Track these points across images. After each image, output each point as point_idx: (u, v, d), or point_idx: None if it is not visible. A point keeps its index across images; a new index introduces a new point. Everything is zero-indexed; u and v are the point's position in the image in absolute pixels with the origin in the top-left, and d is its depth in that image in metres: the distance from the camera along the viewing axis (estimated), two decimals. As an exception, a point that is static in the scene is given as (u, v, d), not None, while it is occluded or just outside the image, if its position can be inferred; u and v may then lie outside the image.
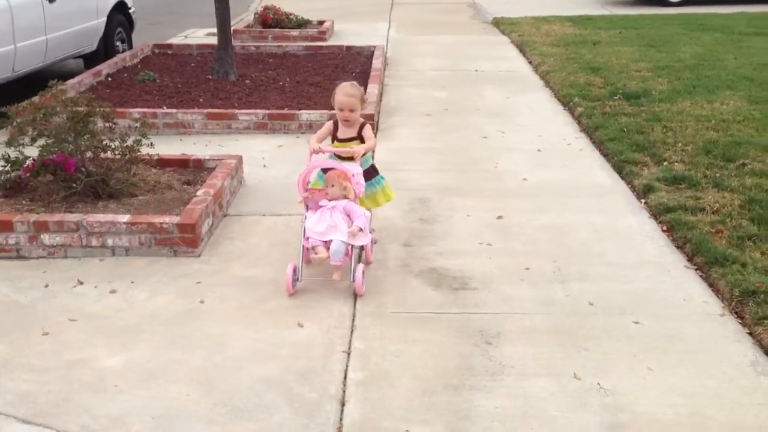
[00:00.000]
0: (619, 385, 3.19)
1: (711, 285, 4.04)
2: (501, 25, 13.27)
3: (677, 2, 15.59)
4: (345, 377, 3.28)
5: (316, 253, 3.93)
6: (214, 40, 9.30)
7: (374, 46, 10.45)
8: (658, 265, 4.31)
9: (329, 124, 4.30)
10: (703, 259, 4.21)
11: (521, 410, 3.05)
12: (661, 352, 3.44)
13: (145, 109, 6.96)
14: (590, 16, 13.88)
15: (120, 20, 10.53)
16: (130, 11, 10.87)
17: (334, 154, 4.21)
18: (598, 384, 3.20)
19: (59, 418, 3.00)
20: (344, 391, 3.19)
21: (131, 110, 6.86)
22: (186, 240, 4.38)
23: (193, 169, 5.47)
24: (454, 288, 4.05)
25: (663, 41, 10.84)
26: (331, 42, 11.73)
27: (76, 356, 3.43)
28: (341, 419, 3.01)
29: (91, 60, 9.86)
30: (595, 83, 8.30)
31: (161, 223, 4.38)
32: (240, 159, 5.58)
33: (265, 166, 6.03)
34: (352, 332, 3.64)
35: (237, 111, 7.04)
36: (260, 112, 7.00)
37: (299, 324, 3.70)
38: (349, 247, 3.96)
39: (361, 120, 4.27)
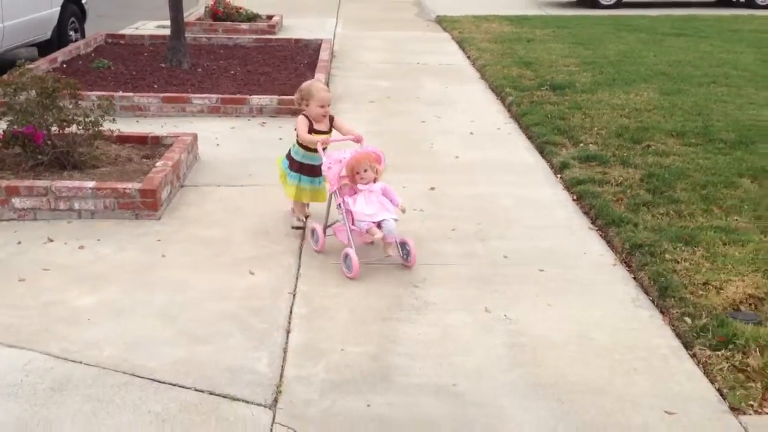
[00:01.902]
0: (522, 317, 3.80)
1: (608, 242, 4.69)
2: (443, 22, 13.92)
3: (610, 5, 16.49)
4: (291, 312, 3.81)
5: (372, 234, 4.10)
6: (165, 32, 9.69)
7: (321, 40, 10.96)
8: (565, 227, 4.95)
9: (305, 120, 4.54)
10: (603, 222, 4.87)
11: (440, 335, 3.63)
12: (560, 292, 4.07)
13: (102, 93, 7.33)
14: (527, 16, 14.64)
15: (73, 10, 10.82)
16: (83, 2, 11.16)
17: (312, 151, 4.50)
18: (505, 315, 3.80)
19: (41, 343, 3.46)
20: (290, 323, 3.72)
21: (89, 93, 7.22)
22: (147, 204, 4.84)
23: (151, 145, 5.90)
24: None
25: (591, 40, 11.64)
26: (280, 35, 12.18)
27: (52, 298, 3.87)
28: (287, 342, 3.54)
29: (44, 48, 10.13)
30: (526, 76, 8.99)
31: (124, 189, 4.83)
32: (195, 136, 6.04)
33: (218, 144, 6.50)
34: (297, 278, 4.17)
35: (191, 95, 7.48)
36: (213, 96, 7.46)
37: (251, 272, 4.21)
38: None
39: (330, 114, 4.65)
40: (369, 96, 8.36)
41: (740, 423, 3.03)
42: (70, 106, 5.32)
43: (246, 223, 4.87)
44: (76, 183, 4.86)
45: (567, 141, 6.52)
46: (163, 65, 9.17)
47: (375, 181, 4.24)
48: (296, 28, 13.22)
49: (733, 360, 3.37)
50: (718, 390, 3.23)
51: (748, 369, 3.31)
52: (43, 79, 5.18)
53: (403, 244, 4.24)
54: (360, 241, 4.24)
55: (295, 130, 4.57)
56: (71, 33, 10.84)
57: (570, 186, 5.59)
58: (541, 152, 6.42)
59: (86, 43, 10.25)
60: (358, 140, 4.49)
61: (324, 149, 4.46)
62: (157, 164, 5.26)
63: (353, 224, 4.18)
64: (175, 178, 5.30)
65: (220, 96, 7.48)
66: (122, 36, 11.15)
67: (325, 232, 4.42)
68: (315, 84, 4.63)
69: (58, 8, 10.23)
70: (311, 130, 4.54)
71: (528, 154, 6.47)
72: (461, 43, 11.68)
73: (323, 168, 4.30)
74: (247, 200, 5.25)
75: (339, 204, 4.25)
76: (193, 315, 3.75)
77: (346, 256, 4.13)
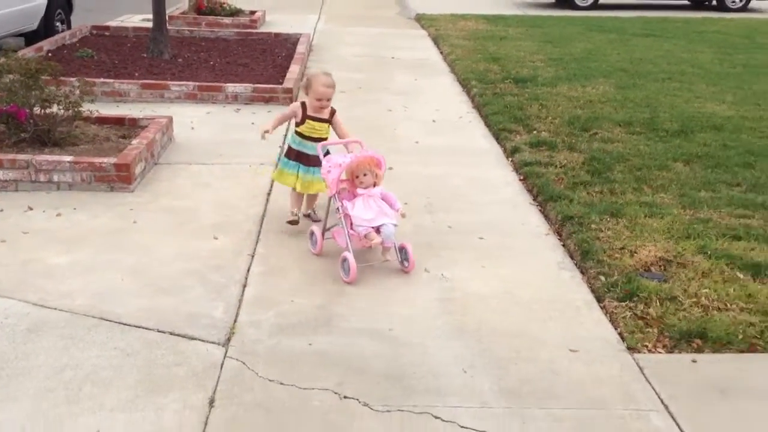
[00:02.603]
0: (457, 276, 4.21)
1: (545, 215, 5.13)
2: (422, 20, 14.36)
3: (585, 6, 16.97)
4: (248, 270, 4.22)
5: (370, 239, 4.09)
6: (149, 25, 10.05)
7: (300, 34, 11.36)
8: (509, 202, 5.38)
9: (297, 108, 4.61)
10: (543, 198, 5.30)
11: (381, 291, 4.04)
12: (495, 257, 4.49)
13: (84, 78, 7.69)
14: (504, 15, 15.10)
15: (60, 2, 11.20)
16: (70, -6, 11.52)
17: (306, 139, 4.58)
18: (442, 275, 4.22)
19: (19, 293, 3.85)
20: (246, 279, 4.12)
21: (71, 79, 7.58)
22: (122, 177, 5.23)
23: (128, 127, 6.29)
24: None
25: (561, 39, 12.10)
26: (262, 30, 12.58)
27: (30, 257, 4.26)
28: (242, 295, 3.95)
29: (31, 39, 10.49)
30: (493, 70, 9.43)
31: (101, 163, 5.22)
32: (170, 119, 6.44)
33: (193, 128, 6.89)
34: (257, 243, 4.57)
35: (169, 82, 7.87)
36: (191, 83, 7.85)
37: (215, 237, 4.61)
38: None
39: (331, 107, 4.65)
40: (341, 87, 8.62)
41: (633, 359, 3.46)
42: (53, 88, 5.70)
43: (213, 196, 5.27)
44: (56, 157, 5.24)
45: (522, 129, 6.95)
46: (144, 55, 9.54)
47: (375, 185, 4.23)
48: (278, 23, 13.61)
49: (636, 310, 3.80)
50: (619, 334, 3.66)
51: (648, 317, 3.74)
52: (27, 62, 5.56)
53: (401, 249, 4.21)
54: (358, 245, 4.20)
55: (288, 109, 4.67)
56: (58, 24, 11.21)
57: (518, 167, 6.02)
58: (497, 138, 6.85)
59: (72, 33, 10.62)
60: (352, 143, 4.51)
61: (318, 139, 4.52)
62: (133, 142, 5.65)
63: (351, 228, 4.16)
64: (149, 155, 5.69)
65: (197, 83, 7.87)
66: (107, 27, 11.51)
67: (323, 235, 4.39)
68: (318, 76, 4.55)
69: (46, 0, 10.58)
70: (307, 117, 4.57)
71: (484, 140, 6.90)
72: (436, 40, 12.12)
73: (322, 171, 4.25)
74: (215, 177, 5.65)
75: (337, 208, 4.22)
76: (158, 272, 4.15)
77: (344, 260, 4.08)
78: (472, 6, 16.42)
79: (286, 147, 4.81)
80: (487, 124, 7.32)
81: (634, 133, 6.83)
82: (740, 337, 3.60)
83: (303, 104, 4.61)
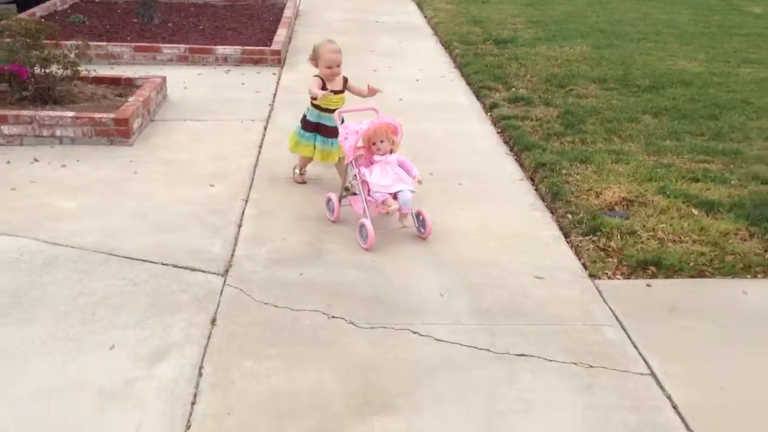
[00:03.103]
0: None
1: (520, 163, 5.48)
2: (407, -15, 14.53)
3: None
4: (243, 213, 4.55)
5: (388, 205, 4.12)
6: (139, -9, 10.23)
7: (288, -1, 11.57)
8: (487, 153, 5.73)
9: (319, 81, 4.62)
10: (519, 148, 5.64)
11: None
12: (473, 200, 4.84)
13: (78, 42, 7.92)
14: (488, -20, 15.26)
15: (49, -31, 11.28)
16: (59, -39, 11.62)
17: (324, 111, 4.63)
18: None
19: (32, 233, 4.17)
20: (241, 220, 4.46)
21: (66, 42, 7.81)
22: (121, 132, 5.53)
23: (124, 86, 6.56)
24: (329, 166, 5.34)
25: (542, 2, 12.34)
26: (249, -4, 12.74)
27: (40, 201, 4.58)
28: (238, 234, 4.29)
29: (22, 5, 10.62)
30: (475, 32, 9.70)
31: (100, 118, 5.51)
32: (164, 79, 6.71)
33: (185, 88, 7.16)
34: (250, 189, 4.90)
35: (161, 45, 8.12)
36: (182, 46, 8.10)
37: (211, 185, 4.93)
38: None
39: (343, 75, 4.73)
40: (327, 49, 9.02)
41: (594, 284, 3.84)
42: (53, 49, 5.95)
43: (208, 149, 5.58)
44: (58, 113, 5.53)
45: (501, 86, 7.27)
46: (135, 20, 9.74)
47: (391, 152, 4.26)
48: (265, -11, 13.75)
49: (599, 243, 4.17)
50: (583, 263, 4.04)
51: (609, 249, 4.11)
52: (27, 23, 5.81)
53: (417, 215, 4.25)
54: (375, 211, 4.22)
55: (309, 91, 4.60)
56: (47, -9, 11.32)
57: (496, 121, 6.35)
58: (477, 95, 7.17)
59: (62, 0, 10.77)
60: (372, 92, 4.64)
61: (334, 110, 4.53)
62: (129, 99, 5.93)
63: (369, 195, 4.19)
64: (145, 112, 5.98)
65: (188, 46, 8.12)
66: (97, -6, 11.65)
67: (340, 201, 4.42)
68: (324, 45, 4.64)
69: (35, -33, 10.71)
70: (324, 89, 4.60)
71: (465, 97, 7.21)
72: (420, 4, 12.34)
73: (340, 138, 4.30)
74: (209, 132, 5.96)
75: (355, 174, 4.25)
76: (160, 215, 4.48)
77: (362, 226, 4.12)
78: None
79: (302, 120, 4.83)
80: (468, 83, 7.63)
81: (608, 89, 7.16)
82: (691, 264, 3.98)
83: (319, 77, 4.64)
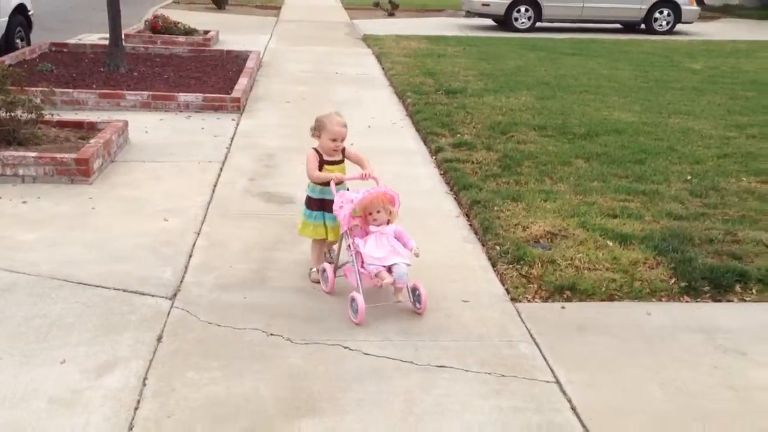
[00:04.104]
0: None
1: (458, 201, 5.88)
2: (368, 40, 15.19)
3: (525, 28, 18.01)
4: (194, 244, 4.86)
5: (381, 279, 3.93)
6: (106, 42, 10.63)
7: (251, 51, 12.06)
8: (429, 192, 6.12)
9: (314, 155, 4.31)
10: (458, 187, 6.05)
11: (307, 258, 4.71)
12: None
13: (44, 88, 8.24)
14: (446, 36, 16.02)
15: (20, 20, 11.69)
16: (29, 13, 12.04)
17: (326, 185, 4.27)
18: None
19: (-8, 261, 4.43)
20: (192, 251, 4.76)
21: (34, 89, 8.14)
22: (81, 171, 5.83)
23: (87, 129, 6.88)
24: (281, 202, 5.71)
25: (495, 56, 13.02)
26: (215, 48, 13.22)
27: (0, 234, 4.84)
28: (188, 263, 4.59)
29: (-8, 54, 10.96)
30: (428, 83, 10.24)
31: (62, 158, 5.81)
32: (126, 123, 7.05)
33: (147, 132, 7.51)
34: (202, 223, 5.22)
35: (125, 92, 8.48)
36: (145, 93, 8.47)
37: (165, 219, 5.24)
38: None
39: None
40: (286, 97, 9.49)
41: (514, 307, 4.20)
42: (17, 94, 6.28)
43: (164, 187, 5.90)
44: (21, 153, 5.82)
45: (447, 132, 7.73)
46: (102, 69, 10.12)
47: (388, 222, 4.12)
48: (231, 42, 14.27)
49: (521, 271, 4.54)
50: (506, 289, 4.40)
51: (530, 276, 4.48)
52: (-7, 68, 6.14)
53: (414, 290, 4.07)
54: (369, 284, 4.03)
55: (308, 174, 4.31)
56: (18, 41, 11.69)
57: (440, 164, 6.78)
58: (425, 141, 7.61)
59: (31, 50, 11.14)
60: (366, 178, 4.30)
61: (337, 185, 4.27)
62: (91, 141, 6.25)
63: (362, 267, 4.01)
64: (106, 153, 6.29)
65: (152, 93, 8.49)
66: (66, 44, 12.04)
67: (335, 273, 4.27)
68: (331, 117, 4.32)
69: (6, 18, 11.09)
70: (323, 163, 4.32)
71: (413, 142, 7.66)
72: (379, 57, 12.93)
73: (335, 207, 4.11)
74: (166, 172, 6.28)
75: (349, 245, 4.10)
76: (115, 246, 4.76)
77: (353, 300, 3.94)
78: (419, 29, 17.35)
79: (306, 200, 4.44)
80: (418, 129, 8.09)
81: (546, 136, 7.66)
82: (603, 289, 4.36)
83: (316, 150, 4.36)
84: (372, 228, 4.08)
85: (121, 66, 10.09)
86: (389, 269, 3.97)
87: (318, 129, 4.32)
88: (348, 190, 4.32)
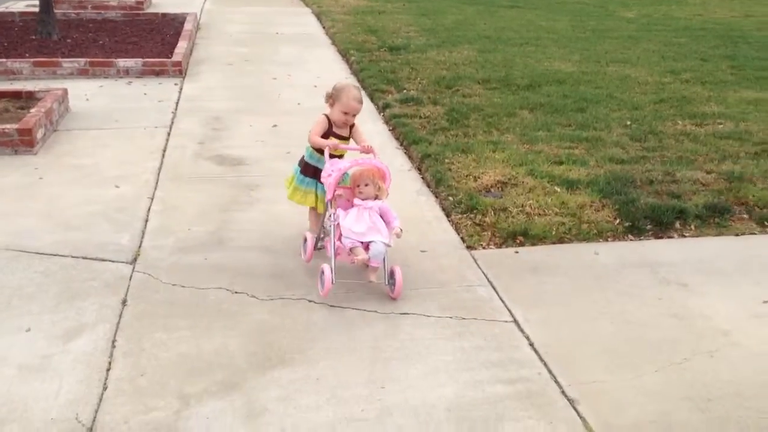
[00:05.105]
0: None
1: (409, 156, 5.98)
2: (306, -1, 14.99)
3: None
4: (149, 209, 4.84)
5: (356, 255, 3.75)
6: (34, 9, 10.25)
7: (187, 13, 11.79)
8: (380, 148, 6.07)
9: (324, 121, 4.15)
10: (408, 142, 6.15)
11: (266, 219, 4.77)
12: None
13: (-24, 58, 7.98)
14: (384, -8, 15.91)
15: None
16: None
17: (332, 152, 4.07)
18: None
19: (-59, 236, 4.34)
20: (148, 216, 4.75)
21: (-37, 59, 7.86)
22: (25, 141, 5.70)
23: (26, 99, 6.70)
24: (233, 164, 5.71)
25: (435, 12, 13.04)
26: (149, 11, 12.87)
27: (-53, 208, 4.74)
28: (145, 228, 4.58)
29: None
30: (370, 41, 10.23)
31: (3, 129, 5.67)
32: (65, 90, 6.88)
33: (87, 99, 7.34)
34: (155, 189, 5.19)
35: (61, 59, 8.24)
36: (82, 60, 8.25)
37: (116, 186, 5.19)
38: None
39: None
40: (228, 59, 9.36)
41: (470, 254, 4.35)
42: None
43: (112, 154, 5.82)
44: (-40, 125, 5.65)
45: (393, 88, 7.79)
46: (33, 37, 9.77)
47: (377, 198, 3.94)
48: (165, 5, 13.89)
49: (475, 219, 4.69)
50: (462, 237, 4.55)
51: (484, 224, 4.64)
52: None
53: (391, 273, 3.82)
54: (345, 259, 3.85)
55: (309, 137, 4.15)
56: (-63, 9, 11.16)
57: (388, 120, 6.85)
58: (371, 98, 7.65)
59: (-46, 18, 10.65)
60: (366, 151, 4.09)
61: (340, 156, 4.13)
62: (32, 110, 6.10)
63: (339, 240, 3.82)
64: (48, 122, 6.15)
65: (89, 60, 8.28)
66: (-10, 12, 11.55)
67: (317, 244, 4.14)
68: (348, 89, 4.12)
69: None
70: (330, 133, 4.14)
71: (360, 100, 7.68)
72: (319, 16, 12.81)
73: (323, 174, 3.95)
74: (113, 139, 6.19)
75: (330, 214, 3.91)
76: (68, 214, 4.71)
77: (322, 272, 3.75)
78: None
79: (300, 162, 4.31)
80: (364, 87, 8.10)
81: (491, 88, 7.79)
82: (553, 233, 4.55)
83: (327, 117, 4.18)
84: (356, 201, 3.91)
85: (53, 33, 9.76)
86: (367, 246, 3.78)
87: (333, 98, 4.13)
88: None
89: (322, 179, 3.99)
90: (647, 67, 8.88)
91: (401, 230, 3.86)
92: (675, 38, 10.88)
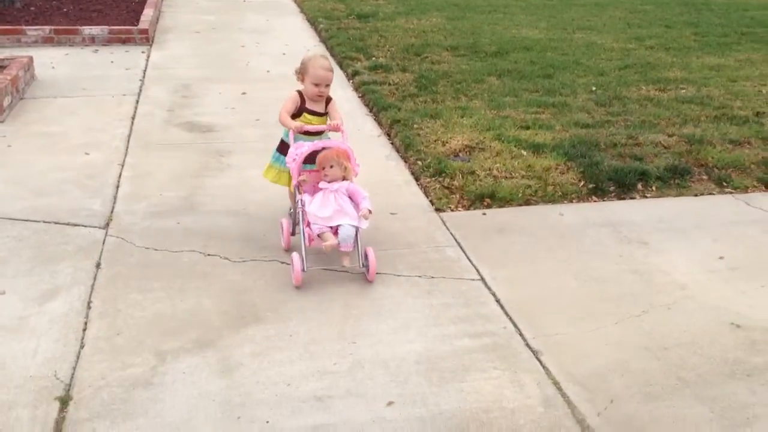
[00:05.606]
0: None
1: (378, 122, 6.04)
2: (274, -34, 14.82)
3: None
4: (119, 176, 4.86)
5: (324, 240, 3.62)
6: (-5, -26, 10.02)
7: (153, -20, 11.60)
8: (350, 115, 6.23)
9: (296, 98, 3.98)
10: (377, 109, 6.20)
11: (237, 183, 4.82)
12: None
13: (-64, 26, 7.81)
14: (353, -40, 15.79)
15: None
16: None
17: (308, 132, 3.91)
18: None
19: None
20: (119, 182, 4.77)
21: None
22: (-9, 109, 5.65)
23: (-10, 67, 6.61)
24: (203, 131, 5.72)
25: (404, -21, 13.00)
26: (114, -22, 12.64)
27: None
28: (116, 193, 4.60)
29: None
30: (339, 8, 10.20)
31: (-32, 96, 5.61)
32: (31, 58, 6.79)
33: (53, 68, 7.26)
34: (125, 155, 5.20)
35: (25, 27, 8.11)
36: (46, 27, 8.13)
37: (86, 153, 5.19)
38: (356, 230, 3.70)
39: (328, 95, 4.02)
40: (195, 27, 9.29)
41: (439, 216, 4.45)
42: None
43: (81, 122, 5.80)
44: (-77, 92, 5.58)
45: (362, 56, 7.81)
46: (-6, 5, 9.58)
47: (344, 179, 3.80)
48: (129, -28, 13.65)
49: (444, 183, 4.79)
50: (430, 200, 4.65)
51: (452, 187, 4.74)
52: None
53: (365, 255, 3.71)
54: (317, 245, 3.71)
55: (279, 117, 3.98)
56: None
57: (358, 87, 6.89)
58: (340, 65, 7.67)
59: None
60: (335, 129, 3.96)
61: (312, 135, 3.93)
62: (-3, 78, 6.03)
63: (308, 226, 3.69)
64: (14, 90, 6.09)
65: (53, 27, 8.16)
66: (-52, -21, 11.24)
67: (293, 229, 4.00)
68: (315, 59, 3.94)
69: None
70: (303, 109, 3.98)
71: (330, 67, 7.70)
72: (287, -16, 12.69)
73: (287, 159, 3.84)
74: (80, 106, 6.16)
75: (297, 201, 3.81)
76: (38, 181, 4.71)
77: (292, 260, 3.65)
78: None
79: (278, 141, 4.18)
80: (333, 54, 8.12)
81: (459, 55, 7.86)
82: (520, 195, 4.66)
83: (300, 93, 4.01)
84: (321, 185, 3.77)
85: (15, 0, 9.56)
86: (336, 230, 3.67)
87: (301, 72, 3.96)
88: (329, 139, 4.01)
89: (287, 164, 3.87)
90: (613, 34, 9.01)
91: (369, 211, 3.70)
92: (640, 5, 11.02)
